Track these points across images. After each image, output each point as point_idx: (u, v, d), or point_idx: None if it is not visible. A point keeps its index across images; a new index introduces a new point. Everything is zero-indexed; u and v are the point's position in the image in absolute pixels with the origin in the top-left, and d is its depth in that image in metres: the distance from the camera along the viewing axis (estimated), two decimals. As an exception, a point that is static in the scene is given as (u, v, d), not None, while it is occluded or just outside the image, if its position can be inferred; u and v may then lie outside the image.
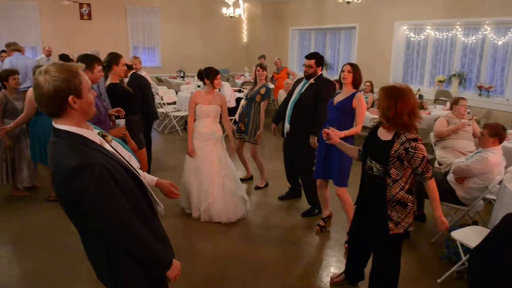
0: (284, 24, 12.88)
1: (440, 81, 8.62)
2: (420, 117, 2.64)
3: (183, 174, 4.66)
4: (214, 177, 4.43)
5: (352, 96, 3.72)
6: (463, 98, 5.40)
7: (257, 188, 5.56)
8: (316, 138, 4.22)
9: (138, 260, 1.73)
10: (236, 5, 10.29)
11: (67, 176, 1.54)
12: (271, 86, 10.38)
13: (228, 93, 8.08)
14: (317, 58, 4.34)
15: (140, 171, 2.60)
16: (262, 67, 5.39)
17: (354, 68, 3.74)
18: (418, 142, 2.55)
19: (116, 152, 1.84)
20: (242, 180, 5.76)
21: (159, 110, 8.87)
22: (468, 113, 5.94)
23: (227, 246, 4.04)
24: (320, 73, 4.42)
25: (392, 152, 2.58)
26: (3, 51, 7.65)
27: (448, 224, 2.74)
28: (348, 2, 7.04)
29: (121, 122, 3.80)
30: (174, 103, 9.21)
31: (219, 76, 4.42)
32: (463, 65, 8.44)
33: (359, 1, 7.06)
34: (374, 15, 9.72)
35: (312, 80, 4.36)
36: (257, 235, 4.32)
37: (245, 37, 13.88)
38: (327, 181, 4.11)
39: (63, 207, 1.68)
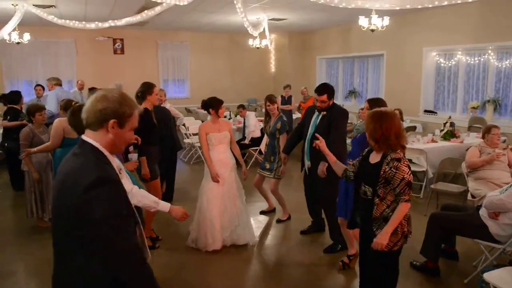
0: (311, 53, 12.93)
1: (473, 108, 8.28)
2: (406, 138, 2.83)
3: (200, 204, 4.55)
4: (236, 201, 4.56)
5: None
6: (495, 126, 5.12)
7: (279, 221, 5.39)
8: (325, 165, 4.02)
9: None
10: (262, 36, 10.42)
11: (88, 185, 1.53)
12: (298, 114, 10.36)
13: (253, 123, 8.07)
14: (328, 92, 4.22)
15: (155, 199, 2.67)
16: (271, 100, 5.22)
17: (372, 103, 3.64)
18: (401, 163, 2.62)
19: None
20: (264, 212, 5.67)
21: (185, 140, 8.98)
22: (504, 141, 5.63)
23: (244, 283, 3.90)
24: (332, 103, 4.30)
25: (382, 173, 2.65)
26: (38, 85, 8.00)
27: (382, 247, 2.64)
28: (372, 30, 6.96)
29: (134, 156, 3.86)
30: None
31: (223, 105, 4.54)
32: (497, 90, 8.10)
33: (384, 29, 6.96)
34: (402, 42, 9.58)
35: (324, 112, 4.27)
36: (276, 271, 4.16)
37: (273, 67, 14.01)
38: None
39: (57, 218, 1.65)
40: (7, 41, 8.17)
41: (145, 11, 6.81)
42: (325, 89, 4.22)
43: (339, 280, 3.95)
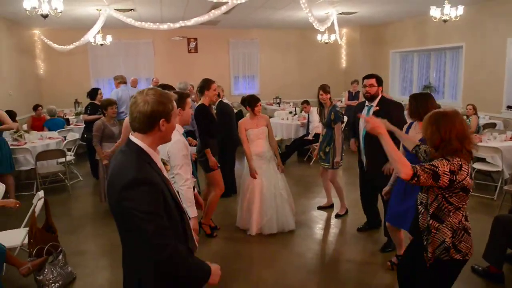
0: (384, 47, 12.43)
1: None
2: (474, 142, 2.34)
3: (241, 194, 4.94)
4: (275, 191, 4.76)
5: None
6: None
7: (337, 216, 5.36)
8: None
9: (177, 277, 1.78)
10: (332, 31, 10.29)
11: (126, 185, 1.67)
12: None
13: (317, 118, 7.97)
14: (377, 77, 4.23)
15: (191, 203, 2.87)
16: (325, 90, 5.17)
17: (411, 99, 3.44)
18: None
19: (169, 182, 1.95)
20: (321, 208, 5.64)
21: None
22: None
23: (293, 277, 3.94)
24: (381, 94, 4.23)
25: None
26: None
27: (373, 126, 2.41)
28: (444, 21, 6.54)
29: (192, 149, 4.10)
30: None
31: (259, 103, 4.78)
32: None
33: (458, 19, 6.50)
34: (483, 33, 8.84)
35: (376, 107, 4.16)
36: (326, 267, 4.15)
37: (344, 62, 13.73)
38: None
39: (113, 212, 1.81)
40: (92, 43, 8.98)
41: (212, 11, 7.08)
42: (373, 75, 4.26)
43: (385, 280, 3.82)
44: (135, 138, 1.81)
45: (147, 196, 1.67)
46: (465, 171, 2.27)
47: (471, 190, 2.38)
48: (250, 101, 4.78)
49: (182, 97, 3.29)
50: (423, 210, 2.44)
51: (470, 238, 2.42)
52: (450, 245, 2.35)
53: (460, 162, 2.27)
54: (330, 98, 5.21)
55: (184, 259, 1.75)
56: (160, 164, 1.90)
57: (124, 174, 1.70)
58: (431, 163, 2.29)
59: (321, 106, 5.31)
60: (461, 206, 2.36)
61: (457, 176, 2.25)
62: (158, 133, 1.80)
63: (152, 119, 1.76)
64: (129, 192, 1.66)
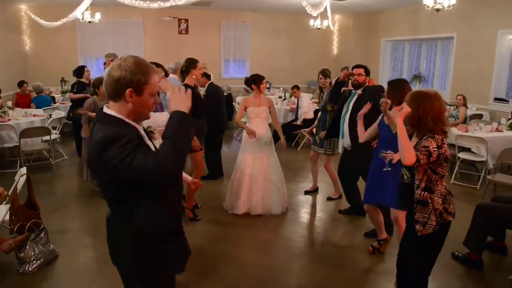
0: (376, 35, 12.39)
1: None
2: (448, 124, 2.55)
3: (232, 174, 4.94)
4: (265, 174, 4.80)
5: None
6: None
7: (329, 199, 5.42)
8: None
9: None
10: (324, 16, 10.19)
11: (97, 146, 1.60)
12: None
13: (306, 104, 8.01)
14: (365, 68, 4.37)
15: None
16: (325, 74, 5.26)
17: (390, 86, 3.50)
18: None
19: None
20: (308, 192, 5.67)
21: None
22: None
23: (277, 258, 3.97)
24: (367, 83, 4.36)
25: None
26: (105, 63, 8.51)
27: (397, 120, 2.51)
28: (437, 10, 6.52)
29: None
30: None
31: (264, 81, 4.81)
32: None
33: (450, 8, 6.48)
34: (475, 24, 8.86)
35: (359, 91, 4.22)
36: (311, 250, 4.19)
37: (335, 49, 13.66)
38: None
39: (100, 179, 1.76)
40: (80, 20, 8.78)
41: (203, -10, 6.94)
42: (362, 65, 4.40)
43: (366, 263, 3.87)
44: (108, 109, 1.73)
45: (120, 147, 1.57)
46: (445, 144, 2.50)
47: (449, 159, 2.59)
48: (255, 79, 4.81)
49: None
50: (416, 187, 2.57)
51: (453, 199, 2.65)
52: (442, 210, 2.54)
53: (441, 137, 2.48)
54: (331, 82, 5.24)
55: (169, 154, 1.58)
56: (142, 133, 1.81)
57: (95, 137, 1.64)
58: (422, 144, 2.45)
59: (321, 91, 5.35)
60: (444, 174, 2.56)
61: (442, 150, 2.44)
62: (126, 105, 1.69)
63: (119, 85, 1.66)
64: (104, 152, 1.58)
